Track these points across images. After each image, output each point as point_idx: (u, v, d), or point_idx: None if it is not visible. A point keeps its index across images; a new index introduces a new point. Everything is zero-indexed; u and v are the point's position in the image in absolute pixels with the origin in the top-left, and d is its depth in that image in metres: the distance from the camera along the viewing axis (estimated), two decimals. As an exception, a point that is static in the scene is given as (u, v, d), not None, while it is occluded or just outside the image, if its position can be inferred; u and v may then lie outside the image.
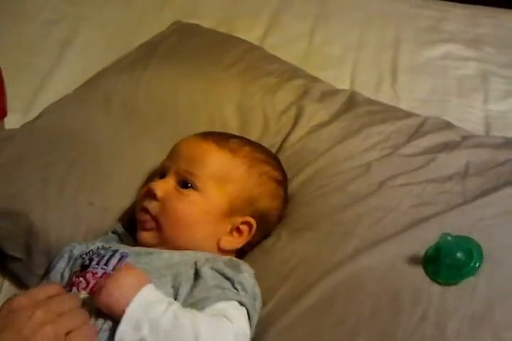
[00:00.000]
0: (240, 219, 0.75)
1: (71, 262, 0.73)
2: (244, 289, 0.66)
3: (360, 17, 1.37)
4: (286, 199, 0.80)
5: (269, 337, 0.66)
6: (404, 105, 1.11)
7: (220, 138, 0.78)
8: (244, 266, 0.70)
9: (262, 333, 0.67)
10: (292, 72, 1.03)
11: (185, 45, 1.06)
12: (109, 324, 0.62)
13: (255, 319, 0.66)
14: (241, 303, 0.65)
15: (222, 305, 0.64)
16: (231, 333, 0.61)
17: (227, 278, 0.67)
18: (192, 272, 0.67)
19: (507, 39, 1.34)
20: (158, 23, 1.23)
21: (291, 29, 1.30)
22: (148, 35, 1.18)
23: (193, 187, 0.74)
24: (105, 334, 0.62)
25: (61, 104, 0.96)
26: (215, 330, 0.61)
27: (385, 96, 1.14)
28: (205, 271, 0.67)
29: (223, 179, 0.75)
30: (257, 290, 0.69)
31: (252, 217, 0.75)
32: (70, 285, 0.70)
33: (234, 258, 0.72)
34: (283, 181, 0.80)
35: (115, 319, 0.61)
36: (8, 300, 0.58)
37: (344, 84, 1.17)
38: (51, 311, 0.57)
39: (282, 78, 0.99)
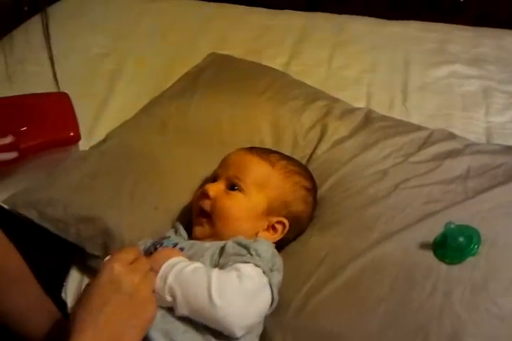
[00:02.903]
0: (275, 219, 0.89)
1: (146, 251, 0.88)
2: (258, 255, 0.79)
3: (373, 42, 1.50)
4: (315, 204, 0.95)
5: (309, 307, 0.81)
6: (414, 120, 1.24)
7: (262, 152, 0.95)
8: (264, 240, 0.84)
9: (304, 304, 0.82)
10: (316, 95, 1.18)
11: (222, 74, 1.23)
12: None
13: (274, 280, 0.79)
14: (256, 265, 0.78)
15: (236, 265, 0.78)
16: (235, 276, 0.75)
17: (244, 247, 0.81)
18: (221, 249, 0.83)
19: (506, 57, 1.46)
20: (195, 53, 1.39)
21: (311, 56, 1.45)
22: (186, 64, 1.33)
23: (239, 189, 0.90)
24: None
25: (123, 129, 1.14)
26: (224, 275, 0.76)
27: (397, 113, 1.27)
28: (228, 244, 0.82)
29: (263, 184, 0.90)
30: (278, 259, 0.82)
31: (286, 218, 0.90)
32: None
33: (258, 237, 0.86)
34: (312, 189, 0.95)
35: None
36: (107, 268, 0.71)
37: (361, 103, 1.30)
38: (143, 272, 0.72)
39: (307, 100, 1.15)
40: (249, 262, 0.79)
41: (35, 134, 1.05)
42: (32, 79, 1.28)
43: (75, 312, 0.70)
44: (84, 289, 0.73)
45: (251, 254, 0.80)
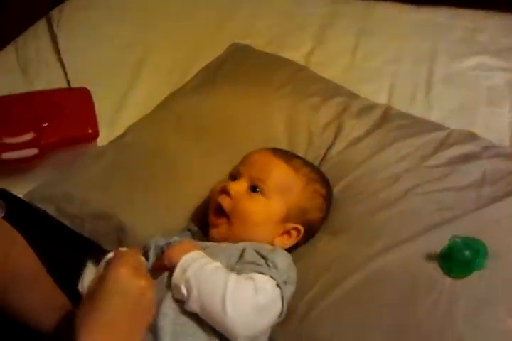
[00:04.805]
0: (292, 225, 0.90)
1: (156, 250, 0.89)
2: (275, 266, 0.80)
3: (399, 30, 1.45)
4: (328, 211, 0.95)
5: (313, 314, 0.83)
6: (436, 115, 1.21)
7: (286, 156, 0.94)
8: (282, 251, 0.85)
9: (307, 311, 0.83)
10: (334, 90, 1.17)
11: (241, 68, 1.22)
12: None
13: (286, 293, 0.80)
14: (272, 277, 0.79)
15: (253, 274, 0.79)
16: (251, 287, 0.76)
17: (262, 257, 0.81)
18: (239, 253, 0.84)
19: (538, 48, 1.43)
20: (217, 43, 1.38)
21: (335, 45, 1.40)
22: (209, 53, 1.33)
23: (261, 192, 0.89)
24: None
25: (141, 124, 1.15)
26: (241, 283, 0.76)
27: (418, 107, 1.24)
28: (247, 251, 0.83)
29: (285, 190, 0.90)
30: (292, 271, 0.83)
31: (301, 224, 0.91)
32: (152, 267, 0.86)
33: (277, 247, 0.87)
34: (328, 197, 0.95)
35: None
36: (114, 273, 0.72)
37: (383, 96, 1.28)
38: (148, 276, 0.74)
39: (325, 96, 1.13)
40: (265, 273, 0.80)
41: (54, 131, 1.07)
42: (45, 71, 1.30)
43: (80, 313, 0.72)
44: (91, 292, 0.74)
45: (268, 266, 0.81)
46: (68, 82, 1.20)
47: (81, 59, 1.36)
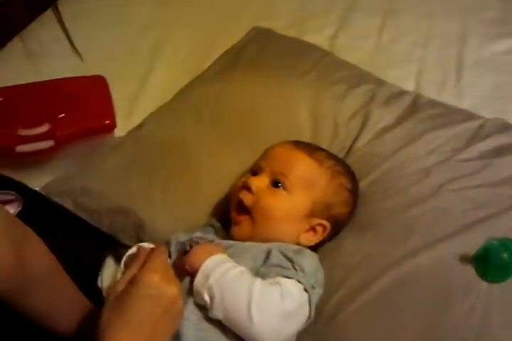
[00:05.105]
0: (317, 221, 0.86)
1: (177, 247, 0.85)
2: (302, 270, 0.77)
3: (427, 11, 1.39)
4: (355, 206, 0.91)
5: (340, 317, 0.79)
6: (467, 102, 1.16)
7: (309, 148, 0.90)
8: (309, 252, 0.82)
9: (334, 314, 0.80)
10: (360, 77, 1.11)
11: (262, 55, 1.16)
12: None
13: (314, 297, 0.76)
14: (299, 282, 0.75)
15: (279, 279, 0.76)
16: (277, 292, 0.73)
17: (289, 259, 0.78)
18: (265, 255, 0.80)
19: None
20: (238, 25, 1.33)
21: (360, 28, 1.34)
22: (230, 37, 1.28)
23: (283, 187, 0.86)
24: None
25: (159, 114, 1.10)
26: (267, 289, 0.73)
27: (449, 93, 1.19)
28: (273, 253, 0.79)
29: (309, 185, 0.86)
30: (320, 274, 0.80)
31: (327, 220, 0.87)
32: (174, 266, 0.83)
33: (303, 248, 0.84)
34: (354, 191, 0.91)
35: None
36: (145, 279, 0.70)
37: (410, 82, 1.22)
38: (178, 282, 0.72)
39: (351, 84, 1.08)
40: (292, 278, 0.76)
41: (71, 122, 1.03)
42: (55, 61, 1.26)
43: (106, 314, 0.70)
44: (118, 294, 0.72)
45: (295, 269, 0.77)
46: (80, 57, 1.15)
47: (93, 47, 1.32)
